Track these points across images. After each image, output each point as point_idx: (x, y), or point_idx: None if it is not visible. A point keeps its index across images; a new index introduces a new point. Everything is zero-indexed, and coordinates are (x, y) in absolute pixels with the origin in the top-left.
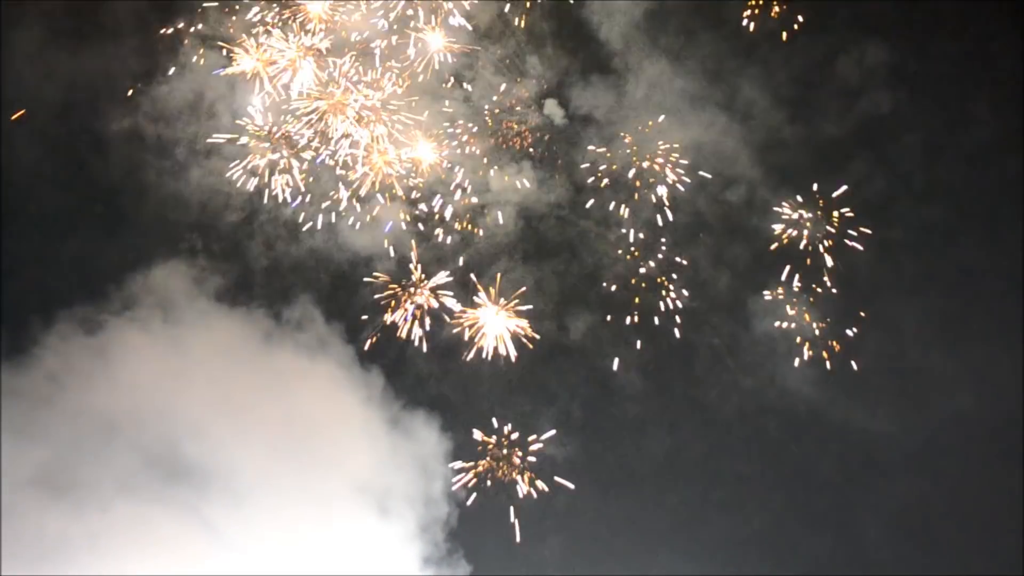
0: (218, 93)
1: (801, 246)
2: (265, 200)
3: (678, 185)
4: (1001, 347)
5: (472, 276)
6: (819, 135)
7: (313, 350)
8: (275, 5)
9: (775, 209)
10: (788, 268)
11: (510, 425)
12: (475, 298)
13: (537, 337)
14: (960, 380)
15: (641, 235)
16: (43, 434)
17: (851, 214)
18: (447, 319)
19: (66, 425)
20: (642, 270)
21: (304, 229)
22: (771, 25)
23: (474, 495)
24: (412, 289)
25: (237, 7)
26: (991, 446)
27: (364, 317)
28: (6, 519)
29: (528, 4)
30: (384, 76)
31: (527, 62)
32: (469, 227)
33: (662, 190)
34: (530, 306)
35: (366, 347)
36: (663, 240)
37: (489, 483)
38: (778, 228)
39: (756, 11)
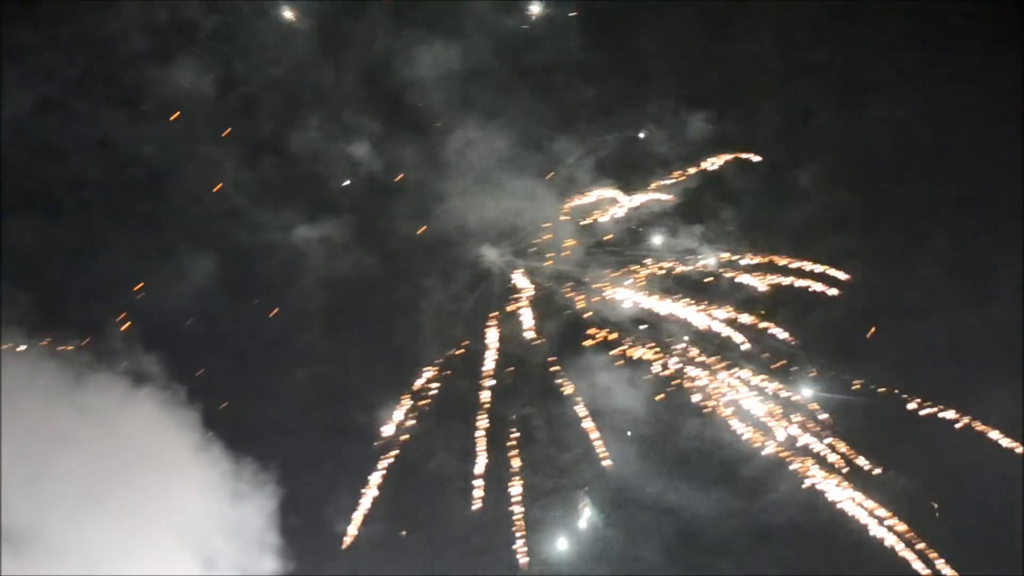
0: None
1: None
2: None
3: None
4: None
5: None
6: (640, 208)
7: (132, 388)
8: None
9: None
10: (602, 340)
11: None
12: None
13: None
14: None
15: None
16: None
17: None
18: None
19: None
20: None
21: None
22: (588, 95)
23: None
24: None
25: None
26: (819, 532)
27: None
28: None
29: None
30: None
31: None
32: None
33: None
34: None
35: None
36: (479, 312)
37: None
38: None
39: None
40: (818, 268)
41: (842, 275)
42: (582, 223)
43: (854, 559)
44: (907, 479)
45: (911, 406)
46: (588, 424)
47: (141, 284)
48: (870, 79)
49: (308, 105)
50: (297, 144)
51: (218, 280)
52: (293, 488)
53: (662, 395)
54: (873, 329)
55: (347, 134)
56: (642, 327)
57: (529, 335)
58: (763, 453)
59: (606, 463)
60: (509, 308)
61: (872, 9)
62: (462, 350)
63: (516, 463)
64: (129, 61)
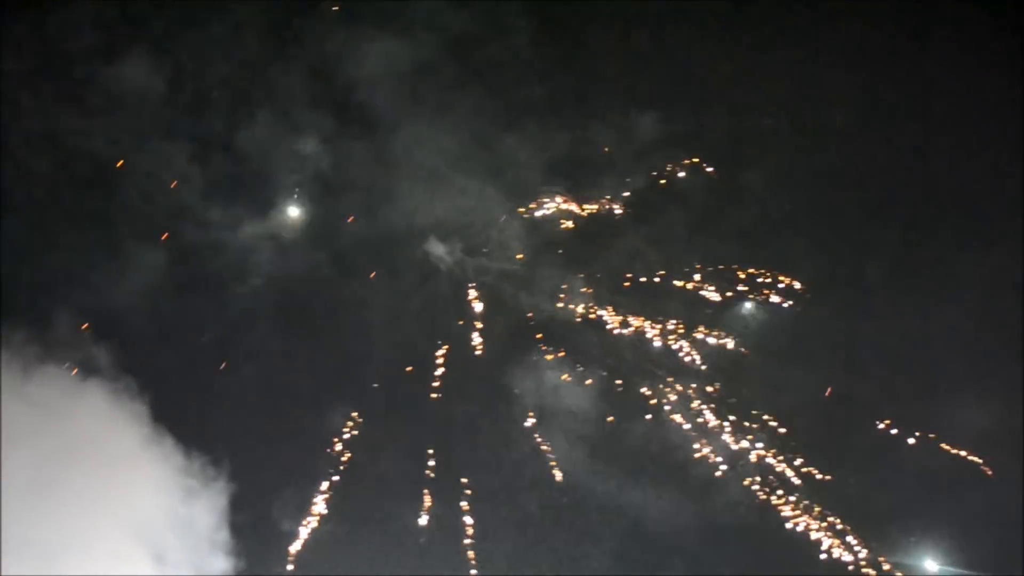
0: None
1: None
2: None
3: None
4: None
5: None
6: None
7: (81, 379)
8: None
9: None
10: (554, 342)
11: None
12: None
13: None
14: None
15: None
16: None
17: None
18: None
19: None
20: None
21: None
22: (538, 92)
23: None
24: None
25: None
26: (771, 532)
27: None
28: None
29: None
30: None
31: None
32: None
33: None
34: None
35: None
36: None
37: None
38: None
39: None
40: (769, 279)
41: (798, 285)
42: (532, 224)
43: (805, 559)
44: (857, 483)
45: (861, 416)
46: (536, 425)
47: (87, 324)
48: (822, 81)
49: (257, 102)
50: (245, 141)
51: (169, 276)
52: (243, 486)
53: (611, 417)
54: (829, 390)
55: (296, 131)
56: (591, 335)
57: (477, 343)
58: (716, 474)
59: (554, 466)
60: (460, 321)
61: (825, 12)
62: (411, 367)
63: (465, 464)
64: (78, 57)
